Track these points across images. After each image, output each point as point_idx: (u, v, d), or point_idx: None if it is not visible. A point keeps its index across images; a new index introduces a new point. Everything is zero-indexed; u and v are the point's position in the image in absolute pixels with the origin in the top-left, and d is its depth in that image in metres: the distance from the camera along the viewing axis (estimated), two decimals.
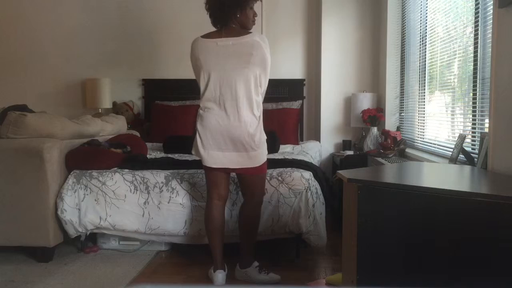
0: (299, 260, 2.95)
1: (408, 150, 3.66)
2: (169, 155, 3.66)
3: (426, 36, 3.50)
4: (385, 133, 3.93)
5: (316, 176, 2.96)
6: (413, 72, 3.83)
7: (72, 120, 3.29)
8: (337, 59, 4.53)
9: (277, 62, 4.80)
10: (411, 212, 1.56)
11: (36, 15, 5.04)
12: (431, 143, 3.33)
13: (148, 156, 3.50)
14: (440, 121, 3.19)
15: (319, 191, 2.89)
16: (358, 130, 4.56)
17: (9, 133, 2.91)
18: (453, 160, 2.52)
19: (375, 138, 4.22)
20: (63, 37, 5.03)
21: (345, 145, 4.47)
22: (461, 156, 2.52)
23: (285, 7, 4.83)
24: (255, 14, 2.58)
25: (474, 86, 2.54)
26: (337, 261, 2.95)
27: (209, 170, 2.54)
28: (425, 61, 3.51)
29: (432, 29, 3.39)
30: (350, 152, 4.22)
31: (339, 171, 1.85)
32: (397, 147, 3.71)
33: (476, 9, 2.51)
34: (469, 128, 2.64)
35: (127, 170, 3.07)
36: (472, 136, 2.60)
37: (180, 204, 2.91)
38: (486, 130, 2.30)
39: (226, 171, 2.55)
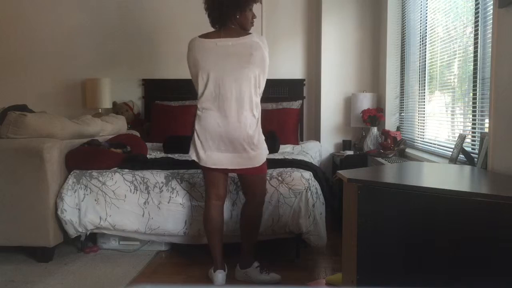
0: (299, 260, 2.95)
1: (408, 150, 3.66)
2: (169, 155, 3.66)
3: (426, 36, 3.50)
4: (385, 133, 3.93)
5: (316, 176, 2.96)
6: (413, 72, 3.83)
7: (72, 120, 3.29)
8: (337, 59, 4.53)
9: (277, 62, 4.80)
10: (411, 212, 1.56)
11: (36, 15, 5.04)
12: (431, 143, 3.33)
13: (148, 156, 3.50)
14: (440, 121, 3.19)
15: (319, 191, 2.89)
16: (358, 130, 4.56)
17: (9, 133, 2.91)
18: (453, 160, 2.52)
19: (375, 138, 4.22)
20: (63, 37, 5.03)
21: (345, 145, 4.47)
22: (461, 156, 2.52)
23: (285, 8, 4.83)
24: (254, 16, 2.58)
25: (474, 86, 2.54)
26: (337, 261, 2.95)
27: (208, 171, 2.53)
28: (425, 61, 3.51)
29: (432, 29, 3.39)
30: (350, 152, 4.22)
31: (339, 171, 1.85)
32: (397, 147, 3.72)
33: (476, 9, 2.51)
34: (469, 128, 2.64)
35: (127, 170, 3.07)
36: (472, 136, 2.60)
37: (180, 204, 2.91)
38: (486, 130, 2.30)
39: (225, 171, 2.54)
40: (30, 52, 5.06)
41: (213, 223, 2.59)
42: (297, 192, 2.84)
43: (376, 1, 4.47)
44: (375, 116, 4.18)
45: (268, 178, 2.85)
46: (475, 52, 2.52)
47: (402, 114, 4.16)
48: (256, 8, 2.62)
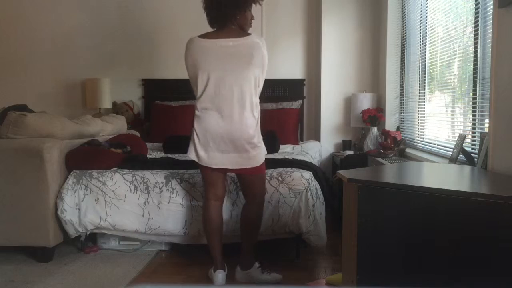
0: (299, 260, 2.95)
1: (408, 150, 3.66)
2: (169, 155, 3.66)
3: (426, 36, 3.50)
4: (385, 133, 3.93)
5: (316, 176, 2.96)
6: (413, 72, 3.83)
7: (72, 120, 3.29)
8: (337, 59, 4.53)
9: (277, 62, 4.80)
10: (411, 212, 1.56)
11: (36, 15, 5.04)
12: (431, 143, 3.33)
13: (148, 156, 3.50)
14: (440, 121, 3.19)
15: (319, 191, 2.89)
16: (358, 130, 4.56)
17: (9, 133, 2.91)
18: (453, 160, 2.52)
19: (375, 138, 4.22)
20: (63, 37, 5.03)
21: (345, 145, 4.47)
22: (461, 156, 2.52)
23: (285, 7, 4.83)
24: (252, 17, 2.58)
25: (474, 86, 2.54)
26: (337, 261, 2.95)
27: (206, 171, 2.53)
28: (425, 61, 3.51)
29: (432, 29, 3.39)
30: (350, 152, 4.22)
31: (339, 171, 1.85)
32: (397, 147, 3.72)
33: (476, 9, 2.51)
34: (469, 128, 2.64)
35: (127, 170, 3.07)
36: (472, 136, 2.60)
37: (180, 204, 2.91)
38: (486, 130, 2.30)
39: (225, 171, 2.54)
40: (30, 52, 5.07)
41: (212, 223, 2.58)
42: (297, 192, 2.84)
43: (376, 1, 4.47)
44: (375, 116, 4.18)
45: (268, 178, 2.85)
46: (475, 52, 2.52)
47: (402, 114, 4.16)
48: (256, 8, 2.62)
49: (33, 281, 2.59)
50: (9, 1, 5.05)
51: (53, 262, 2.91)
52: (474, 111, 2.56)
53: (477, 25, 2.48)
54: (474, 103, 2.56)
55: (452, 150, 2.63)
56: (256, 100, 2.50)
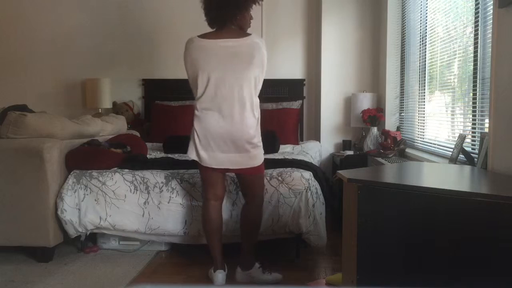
0: (299, 260, 2.95)
1: (408, 150, 3.66)
2: (169, 155, 3.66)
3: (426, 36, 3.50)
4: (385, 133, 3.93)
5: (316, 176, 2.96)
6: (413, 72, 3.83)
7: (72, 120, 3.29)
8: (337, 59, 4.53)
9: (277, 62, 4.80)
10: (411, 212, 1.56)
11: (36, 15, 5.04)
12: (431, 143, 3.33)
13: (148, 156, 3.50)
14: (440, 121, 3.19)
15: (319, 191, 2.89)
16: (358, 130, 4.56)
17: (9, 133, 2.91)
18: (453, 160, 2.52)
19: (375, 138, 4.22)
20: (63, 37, 5.03)
21: (345, 145, 4.47)
22: (461, 156, 2.52)
23: (285, 7, 4.83)
24: (251, 17, 2.59)
25: (474, 86, 2.54)
26: (337, 261, 2.95)
27: (206, 171, 2.53)
28: (425, 61, 3.51)
29: (432, 29, 3.39)
30: (350, 152, 4.22)
31: (339, 171, 1.85)
32: (397, 147, 3.72)
33: (476, 9, 2.51)
34: (469, 128, 2.64)
35: (127, 170, 3.07)
36: (472, 136, 2.60)
37: (180, 204, 2.91)
38: (486, 130, 2.30)
39: (225, 171, 2.54)
40: (30, 52, 5.07)
41: (212, 224, 2.58)
42: (297, 192, 2.84)
43: (376, 1, 4.47)
44: (375, 116, 4.18)
45: (268, 178, 2.85)
46: (475, 52, 2.52)
47: (402, 114, 4.16)
48: (256, 8, 2.62)
49: (33, 281, 2.59)
50: (9, 1, 5.05)
51: (53, 262, 2.91)
52: (474, 111, 2.56)
53: (477, 25, 2.48)
54: (474, 103, 2.56)
55: (452, 150, 2.63)
56: (256, 100, 2.50)
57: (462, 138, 2.49)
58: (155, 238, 3.02)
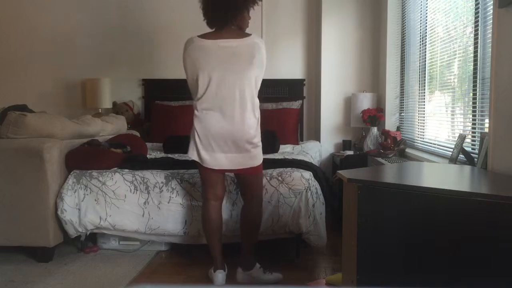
0: (299, 260, 2.95)
1: (408, 150, 3.67)
2: (169, 155, 3.66)
3: (426, 36, 3.50)
4: (385, 133, 3.93)
5: (316, 176, 2.96)
6: (413, 72, 3.83)
7: (72, 120, 3.29)
8: (337, 59, 4.53)
9: (277, 62, 4.80)
10: (411, 212, 1.56)
11: (36, 15, 5.04)
12: (431, 143, 3.33)
13: (148, 156, 3.50)
14: (440, 121, 3.19)
15: (319, 191, 2.89)
16: (358, 130, 4.56)
17: (9, 133, 2.91)
18: (453, 160, 2.52)
19: (375, 138, 4.22)
20: (63, 37, 5.03)
21: (345, 145, 4.47)
22: (461, 156, 2.52)
23: (285, 7, 4.83)
24: (249, 17, 2.59)
25: (474, 86, 2.54)
26: (337, 261, 2.95)
27: (206, 171, 2.52)
28: (425, 61, 3.51)
29: (432, 29, 3.39)
30: (350, 152, 4.22)
31: (339, 171, 1.85)
32: (397, 147, 3.72)
33: (476, 9, 2.51)
34: (469, 128, 2.64)
35: (127, 170, 3.07)
36: (472, 136, 2.60)
37: (180, 204, 2.91)
38: (486, 130, 2.30)
39: (225, 171, 2.54)
40: (30, 52, 5.07)
41: (211, 224, 2.58)
42: (297, 192, 2.84)
43: (376, 1, 4.47)
44: (375, 116, 4.18)
45: (268, 178, 2.85)
46: (475, 52, 2.52)
47: (402, 114, 4.16)
48: (256, 8, 2.62)
49: (33, 281, 2.59)
50: (9, 1, 5.05)
51: (53, 262, 2.91)
52: (474, 111, 2.56)
53: (477, 25, 2.48)
54: (474, 103, 2.56)
55: (452, 150, 2.63)
56: (257, 100, 2.50)
57: (462, 138, 2.49)
58: (155, 238, 3.02)
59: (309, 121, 4.90)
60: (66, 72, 5.05)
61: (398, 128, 4.19)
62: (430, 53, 3.43)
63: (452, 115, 3.01)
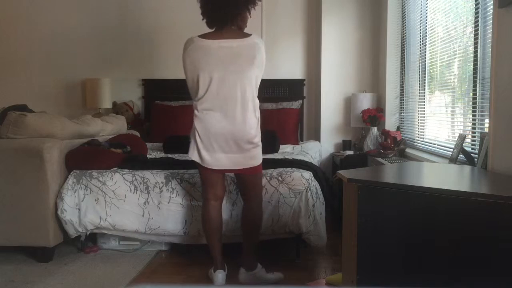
0: (299, 260, 2.95)
1: (408, 150, 3.66)
2: (169, 155, 3.66)
3: (426, 36, 3.50)
4: (385, 133, 3.93)
5: (316, 176, 2.96)
6: (413, 72, 3.83)
7: (72, 120, 3.29)
8: (337, 59, 4.53)
9: (277, 62, 4.80)
10: (411, 212, 1.56)
11: (36, 15, 5.04)
12: (431, 143, 3.33)
13: (148, 156, 3.50)
14: (440, 121, 3.19)
15: (319, 191, 2.89)
16: (358, 130, 4.56)
17: (9, 133, 2.91)
18: (453, 160, 2.52)
19: (375, 138, 4.22)
20: (63, 37, 5.03)
21: (345, 145, 4.47)
22: (461, 156, 2.52)
23: (285, 7, 4.83)
24: (250, 17, 2.60)
25: (474, 86, 2.54)
26: (337, 261, 2.95)
27: (206, 171, 2.52)
28: (425, 61, 3.51)
29: (432, 29, 3.39)
30: (350, 152, 4.22)
31: (339, 171, 1.85)
32: (397, 147, 3.72)
33: (476, 9, 2.51)
34: (469, 128, 2.64)
35: (127, 170, 3.07)
36: (472, 136, 2.60)
37: (180, 204, 2.91)
38: (486, 130, 2.30)
39: (226, 171, 2.54)
40: (30, 52, 5.07)
41: (212, 224, 2.58)
42: (297, 192, 2.84)
43: (376, 1, 4.47)
44: (375, 116, 4.18)
45: (268, 178, 2.85)
46: (475, 52, 2.52)
47: (402, 114, 4.16)
48: (256, 8, 2.62)
49: (33, 281, 2.59)
50: (9, 1, 5.05)
51: (53, 262, 2.91)
52: (474, 111, 2.56)
53: (477, 25, 2.48)
54: (474, 103, 2.56)
55: (452, 150, 2.63)
56: (257, 100, 2.50)
57: (462, 138, 2.49)
58: (155, 238, 3.02)
59: (309, 121, 4.90)
60: (66, 72, 5.05)
61: (398, 128, 4.19)
62: (430, 53, 3.43)
63: (452, 115, 3.01)
